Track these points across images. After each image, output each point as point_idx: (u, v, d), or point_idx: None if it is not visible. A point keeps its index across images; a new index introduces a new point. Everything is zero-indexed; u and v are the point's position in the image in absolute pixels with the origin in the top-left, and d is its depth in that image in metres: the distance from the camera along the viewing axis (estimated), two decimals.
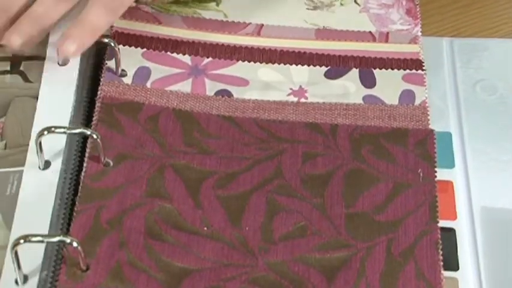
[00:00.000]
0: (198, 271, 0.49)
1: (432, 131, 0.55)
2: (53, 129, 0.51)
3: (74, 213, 0.50)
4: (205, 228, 0.51)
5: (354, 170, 0.53)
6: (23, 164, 0.52)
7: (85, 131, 0.52)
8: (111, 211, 0.51)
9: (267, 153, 0.54)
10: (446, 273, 0.50)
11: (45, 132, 0.51)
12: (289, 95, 0.58)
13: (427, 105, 0.57)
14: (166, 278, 0.48)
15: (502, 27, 0.65)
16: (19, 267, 0.47)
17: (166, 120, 0.55)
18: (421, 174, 0.53)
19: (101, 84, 0.57)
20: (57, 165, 0.52)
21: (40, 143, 0.51)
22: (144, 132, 0.55)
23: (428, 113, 0.57)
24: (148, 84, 0.57)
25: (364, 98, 0.58)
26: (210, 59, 0.60)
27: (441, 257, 0.50)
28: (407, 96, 0.58)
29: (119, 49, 0.57)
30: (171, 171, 0.53)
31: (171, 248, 0.50)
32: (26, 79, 0.60)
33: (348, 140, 0.55)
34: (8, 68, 0.60)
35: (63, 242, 0.47)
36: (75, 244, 0.47)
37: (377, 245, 0.50)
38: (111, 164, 0.53)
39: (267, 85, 0.58)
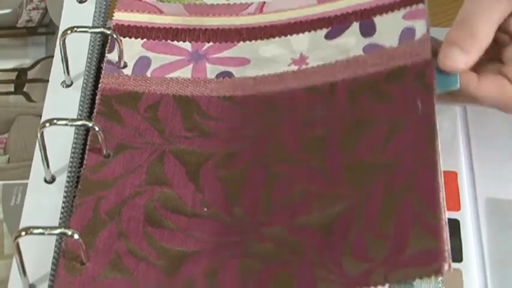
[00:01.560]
0: (198, 253, 0.48)
1: (431, 60, 0.52)
2: (55, 121, 0.51)
3: (74, 206, 0.50)
4: (205, 209, 0.50)
5: (351, 121, 0.52)
6: (26, 178, 0.52)
7: (87, 123, 0.52)
8: (110, 202, 0.50)
9: (267, 126, 0.53)
10: None
11: (47, 124, 0.51)
12: (290, 65, 0.57)
13: (427, 38, 0.54)
14: (166, 263, 0.48)
15: None
16: (21, 259, 0.47)
17: (166, 107, 0.55)
18: (420, 106, 0.51)
19: (101, 77, 0.57)
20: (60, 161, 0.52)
21: (43, 136, 0.51)
22: (144, 121, 0.54)
23: (428, 45, 0.53)
24: (148, 74, 0.57)
25: (364, 49, 0.56)
26: (211, 43, 0.59)
27: (443, 188, 0.47)
28: (407, 34, 0.55)
29: (121, 41, 0.57)
30: (170, 157, 0.53)
31: (171, 233, 0.49)
32: (29, 99, 0.60)
33: (346, 94, 0.53)
34: (12, 90, 0.61)
35: (64, 234, 0.47)
36: (76, 236, 0.47)
37: (375, 186, 0.48)
38: (111, 155, 0.53)
39: (267, 60, 0.58)
